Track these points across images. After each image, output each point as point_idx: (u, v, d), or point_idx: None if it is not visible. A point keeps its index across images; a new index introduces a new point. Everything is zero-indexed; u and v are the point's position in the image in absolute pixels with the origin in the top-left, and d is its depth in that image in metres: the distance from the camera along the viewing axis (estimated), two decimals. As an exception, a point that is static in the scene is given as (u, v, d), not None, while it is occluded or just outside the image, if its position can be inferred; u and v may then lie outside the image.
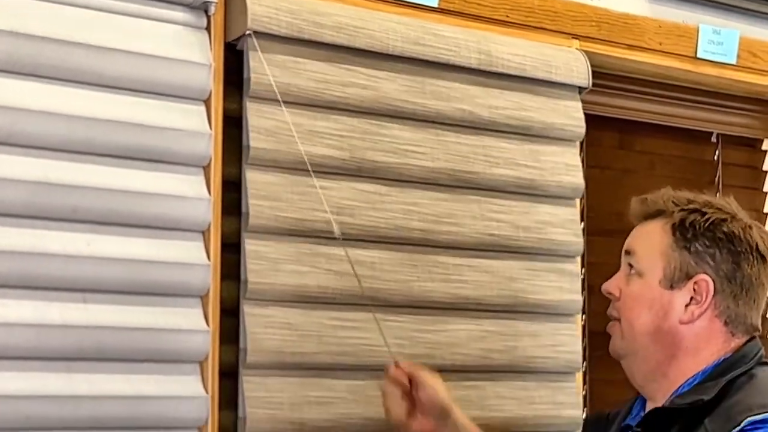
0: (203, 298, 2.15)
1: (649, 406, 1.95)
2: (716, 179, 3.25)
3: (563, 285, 2.65)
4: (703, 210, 1.96)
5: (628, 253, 2.02)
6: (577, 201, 2.75)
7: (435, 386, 2.19)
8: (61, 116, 2.02)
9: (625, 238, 2.05)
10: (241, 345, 2.18)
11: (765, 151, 3.31)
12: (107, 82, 2.09)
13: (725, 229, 1.94)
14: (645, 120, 3.10)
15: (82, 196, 2.04)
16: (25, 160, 2.00)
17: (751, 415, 1.79)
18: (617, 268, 2.04)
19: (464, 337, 2.43)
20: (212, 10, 2.18)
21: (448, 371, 2.33)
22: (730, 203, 2.00)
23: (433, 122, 2.47)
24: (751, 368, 1.92)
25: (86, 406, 2.03)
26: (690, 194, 2.00)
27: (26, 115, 1.99)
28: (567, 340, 2.63)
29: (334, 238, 2.22)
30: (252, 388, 2.19)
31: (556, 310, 2.61)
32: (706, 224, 1.94)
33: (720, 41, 2.99)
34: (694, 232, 1.94)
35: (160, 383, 2.12)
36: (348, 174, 2.33)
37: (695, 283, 1.92)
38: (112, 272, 2.07)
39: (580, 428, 2.39)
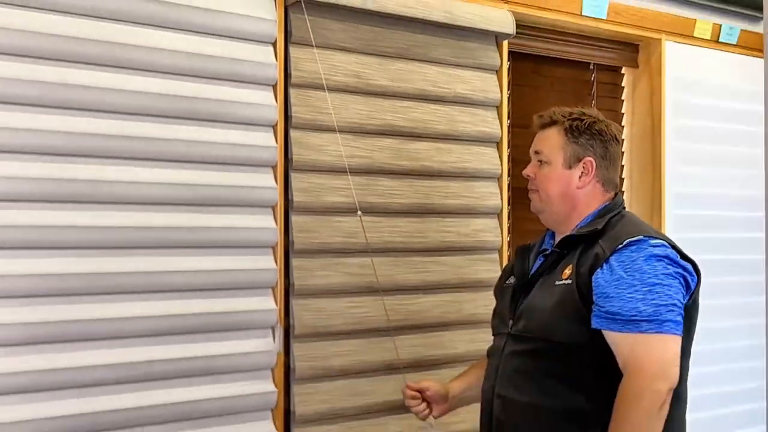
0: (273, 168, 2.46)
1: (558, 237, 2.22)
2: (592, 92, 3.63)
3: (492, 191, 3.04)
4: (582, 117, 2.18)
5: (537, 152, 2.21)
6: (496, 109, 3.01)
7: (433, 386, 2.41)
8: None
9: (533, 137, 2.27)
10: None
11: (623, 75, 3.71)
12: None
13: (597, 128, 2.17)
14: (549, 55, 3.41)
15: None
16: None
17: (628, 237, 2.04)
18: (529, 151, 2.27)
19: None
20: None
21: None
22: (593, 111, 2.21)
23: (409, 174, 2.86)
24: (620, 211, 2.17)
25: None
26: (569, 108, 2.20)
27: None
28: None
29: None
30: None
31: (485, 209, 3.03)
32: (585, 126, 2.17)
33: (597, 4, 3.32)
34: (579, 132, 2.16)
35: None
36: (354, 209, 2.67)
37: (584, 163, 2.16)
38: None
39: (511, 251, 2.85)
